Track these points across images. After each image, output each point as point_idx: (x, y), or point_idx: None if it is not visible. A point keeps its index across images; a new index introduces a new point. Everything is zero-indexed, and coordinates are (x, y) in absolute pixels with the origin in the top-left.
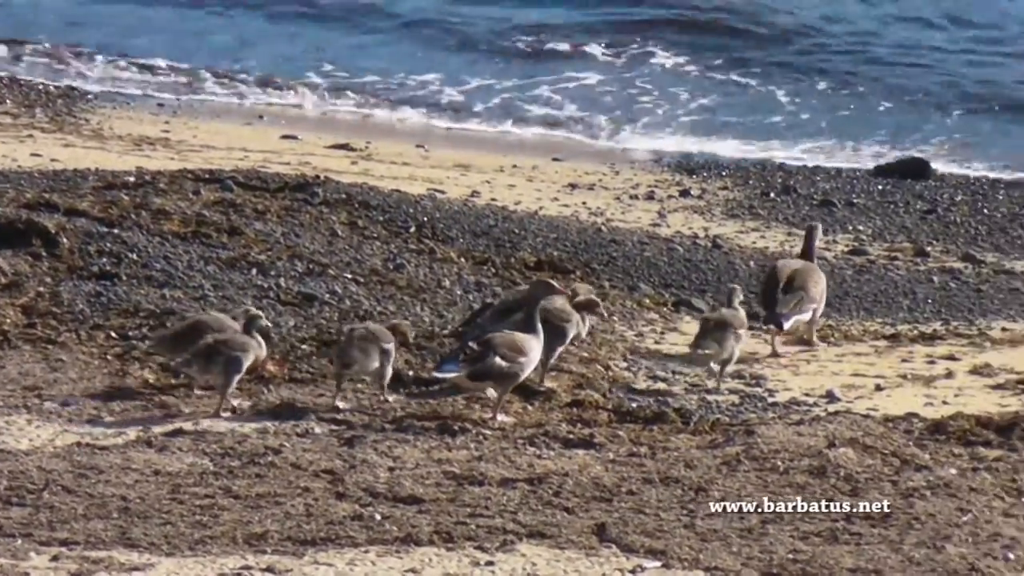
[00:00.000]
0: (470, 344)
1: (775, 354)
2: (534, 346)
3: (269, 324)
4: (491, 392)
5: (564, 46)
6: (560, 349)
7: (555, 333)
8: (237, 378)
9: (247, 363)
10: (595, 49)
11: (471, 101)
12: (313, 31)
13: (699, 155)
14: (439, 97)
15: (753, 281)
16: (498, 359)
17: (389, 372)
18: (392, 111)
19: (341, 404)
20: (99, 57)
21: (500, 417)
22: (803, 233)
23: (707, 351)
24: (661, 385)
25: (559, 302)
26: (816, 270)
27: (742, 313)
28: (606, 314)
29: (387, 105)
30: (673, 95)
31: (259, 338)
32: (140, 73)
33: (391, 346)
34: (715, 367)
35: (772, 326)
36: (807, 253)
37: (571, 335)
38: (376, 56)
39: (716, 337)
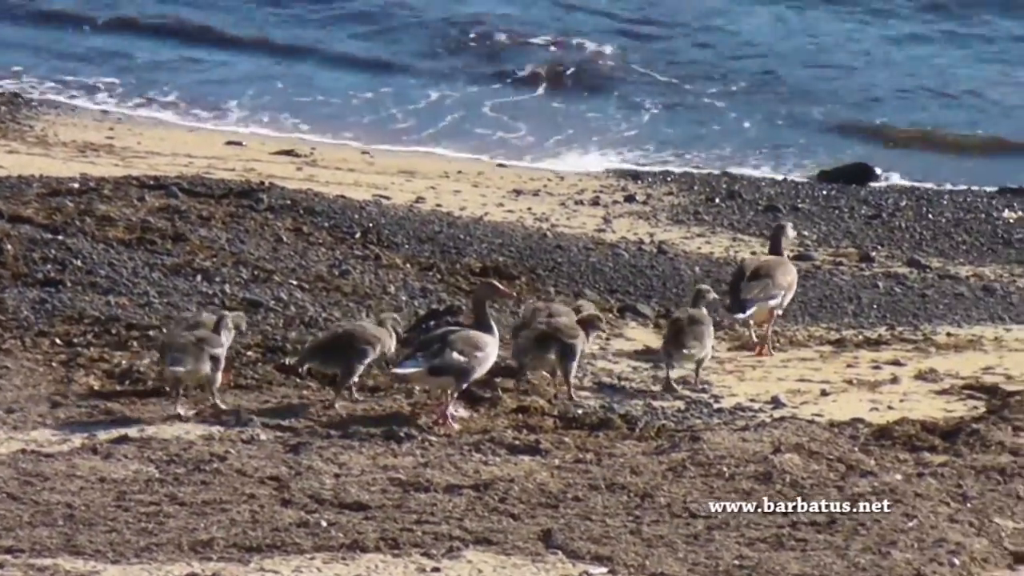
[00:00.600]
0: (428, 342)
1: (753, 346)
2: (489, 343)
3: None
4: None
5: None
6: (574, 365)
7: (566, 350)
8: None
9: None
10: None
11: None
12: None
13: (645, 162)
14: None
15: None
16: (455, 354)
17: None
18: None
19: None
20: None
21: (451, 411)
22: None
23: (692, 351)
24: (607, 391)
25: (565, 320)
26: (785, 263)
27: (706, 312)
28: (605, 330)
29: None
30: (620, 107)
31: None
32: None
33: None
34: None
35: (737, 314)
36: (775, 250)
37: (579, 351)
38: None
39: (697, 335)
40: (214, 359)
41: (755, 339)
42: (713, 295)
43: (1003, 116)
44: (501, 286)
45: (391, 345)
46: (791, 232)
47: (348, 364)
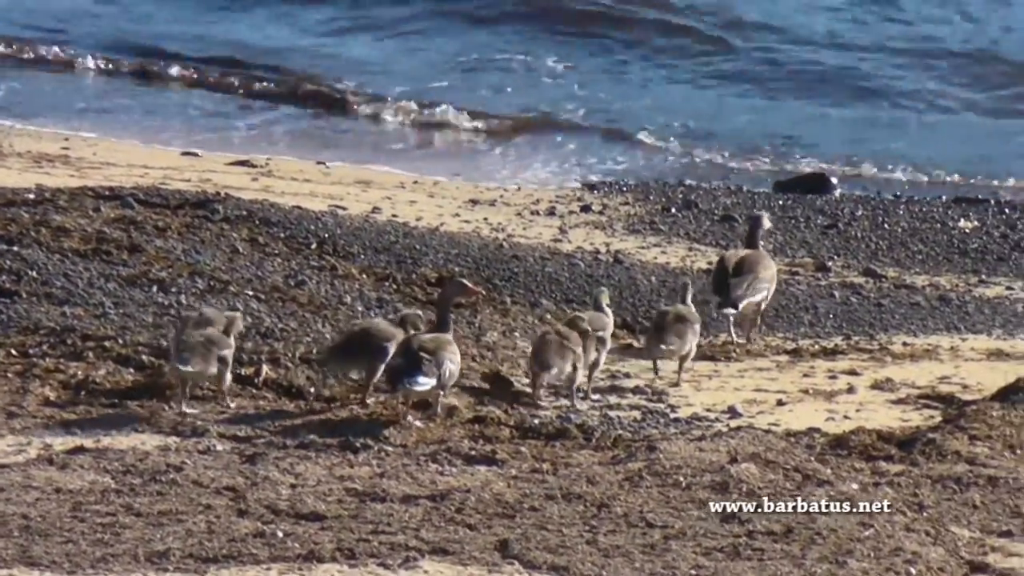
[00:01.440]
0: (423, 355)
1: (733, 340)
2: (455, 348)
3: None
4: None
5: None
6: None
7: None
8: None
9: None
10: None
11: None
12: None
13: (601, 171)
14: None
15: (654, 296)
16: (450, 363)
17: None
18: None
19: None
20: None
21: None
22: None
23: (670, 346)
24: (563, 401)
25: (574, 336)
26: (765, 256)
27: (694, 309)
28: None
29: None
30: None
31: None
32: None
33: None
34: (669, 363)
35: (727, 309)
36: (752, 242)
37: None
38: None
39: (678, 332)
40: (222, 360)
41: (735, 337)
42: (692, 289)
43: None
44: (470, 284)
45: None
46: (767, 223)
47: (370, 364)
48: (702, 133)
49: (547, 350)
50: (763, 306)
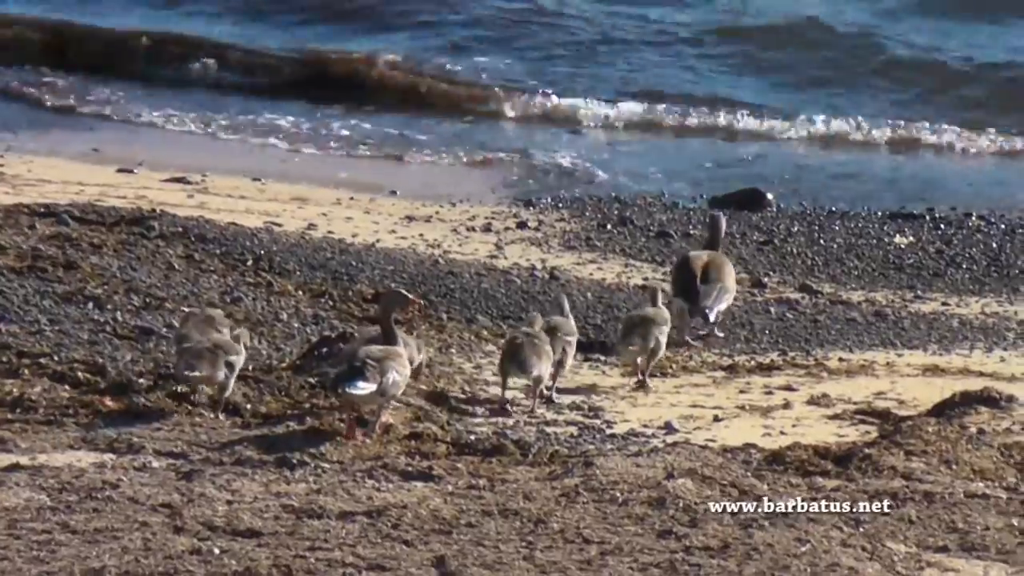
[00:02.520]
0: (368, 360)
1: (689, 344)
2: (407, 362)
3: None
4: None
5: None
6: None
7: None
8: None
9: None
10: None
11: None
12: None
13: (537, 188)
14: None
15: (591, 312)
16: (395, 373)
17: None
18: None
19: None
20: None
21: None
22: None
23: (632, 347)
24: (499, 417)
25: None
26: (727, 261)
27: (665, 311)
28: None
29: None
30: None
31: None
32: None
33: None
34: (640, 362)
35: (699, 318)
36: (713, 243)
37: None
38: None
39: (641, 333)
40: (229, 365)
41: (690, 339)
42: (666, 297)
43: None
44: (409, 293)
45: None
46: (723, 224)
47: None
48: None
49: (523, 352)
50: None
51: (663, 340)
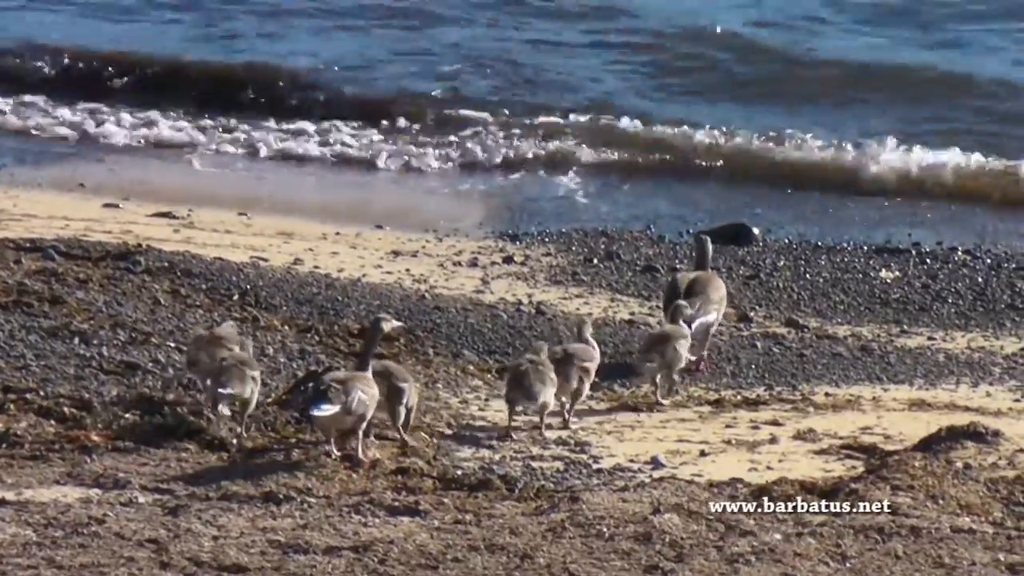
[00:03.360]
0: (332, 383)
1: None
2: (373, 384)
3: None
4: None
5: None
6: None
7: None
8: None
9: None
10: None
11: None
12: None
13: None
14: None
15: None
16: (362, 393)
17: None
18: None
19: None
20: None
21: (366, 452)
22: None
23: (651, 363)
24: (486, 452)
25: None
26: (715, 277)
27: (686, 328)
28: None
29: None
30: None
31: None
32: None
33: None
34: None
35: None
36: (702, 265)
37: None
38: None
39: (659, 350)
40: (254, 380)
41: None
42: (690, 310)
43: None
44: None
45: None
46: (709, 246)
47: (392, 408)
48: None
49: (528, 379)
50: (713, 328)
51: (683, 354)
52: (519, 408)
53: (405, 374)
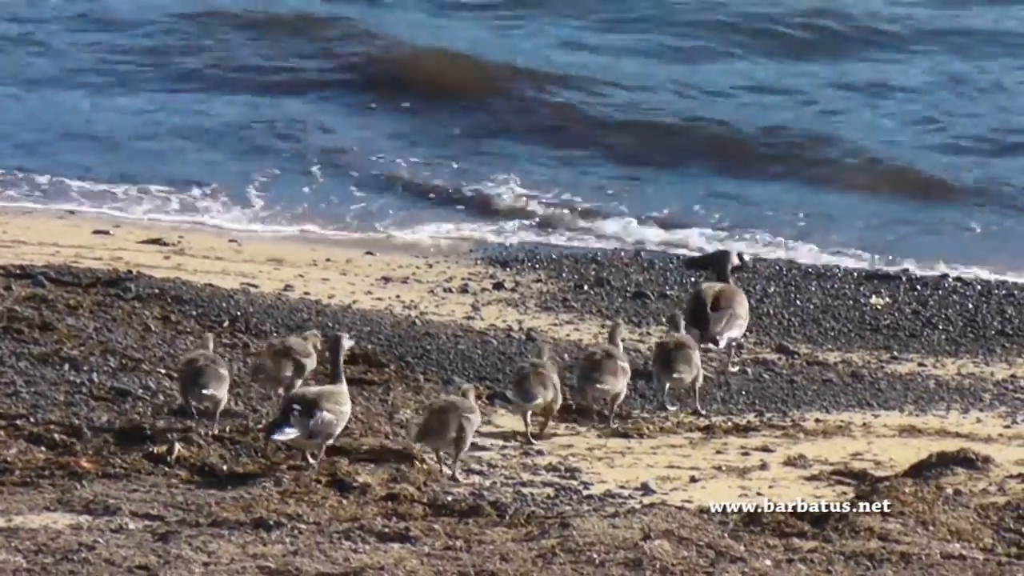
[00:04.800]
0: (294, 405)
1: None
2: (347, 397)
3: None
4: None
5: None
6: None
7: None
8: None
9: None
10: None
11: None
12: None
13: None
14: None
15: (567, 374)
16: (327, 413)
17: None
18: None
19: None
20: None
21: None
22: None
23: (683, 375)
24: (476, 478)
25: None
26: (739, 291)
27: (690, 337)
28: None
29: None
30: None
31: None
32: None
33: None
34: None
35: (709, 344)
36: (723, 277)
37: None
38: None
39: (685, 359)
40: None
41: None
42: (683, 319)
43: None
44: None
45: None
46: (735, 258)
47: (459, 437)
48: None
49: (527, 381)
50: (739, 339)
51: (699, 364)
52: (520, 409)
53: (471, 404)
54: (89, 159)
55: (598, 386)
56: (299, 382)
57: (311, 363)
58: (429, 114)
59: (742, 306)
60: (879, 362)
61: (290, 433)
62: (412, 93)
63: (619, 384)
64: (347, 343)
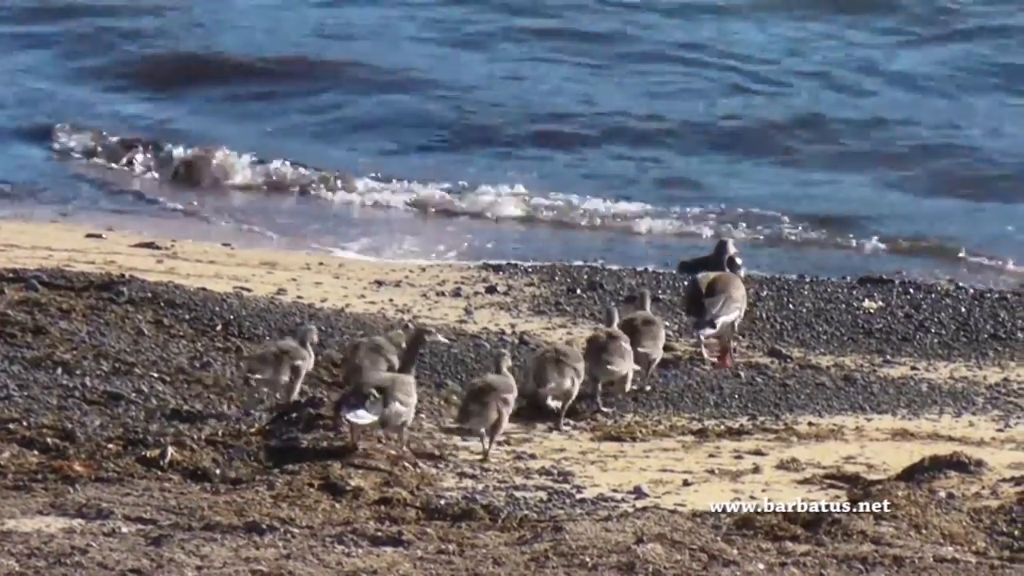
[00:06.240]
0: (372, 391)
1: (705, 360)
2: (413, 389)
3: None
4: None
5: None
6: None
7: None
8: None
9: None
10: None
11: None
12: None
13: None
14: None
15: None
16: (398, 404)
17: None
18: None
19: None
20: None
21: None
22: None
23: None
24: (469, 482)
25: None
26: (735, 277)
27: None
28: None
29: None
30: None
31: None
32: None
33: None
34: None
35: (704, 329)
36: (720, 266)
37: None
38: None
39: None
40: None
41: (706, 355)
42: (649, 296)
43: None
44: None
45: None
46: (732, 247)
47: (498, 420)
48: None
49: (544, 367)
50: (736, 325)
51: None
52: (543, 394)
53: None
54: None
55: (551, 385)
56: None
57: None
58: None
59: (738, 290)
60: (872, 366)
61: (364, 417)
62: None
63: (566, 383)
64: (436, 339)
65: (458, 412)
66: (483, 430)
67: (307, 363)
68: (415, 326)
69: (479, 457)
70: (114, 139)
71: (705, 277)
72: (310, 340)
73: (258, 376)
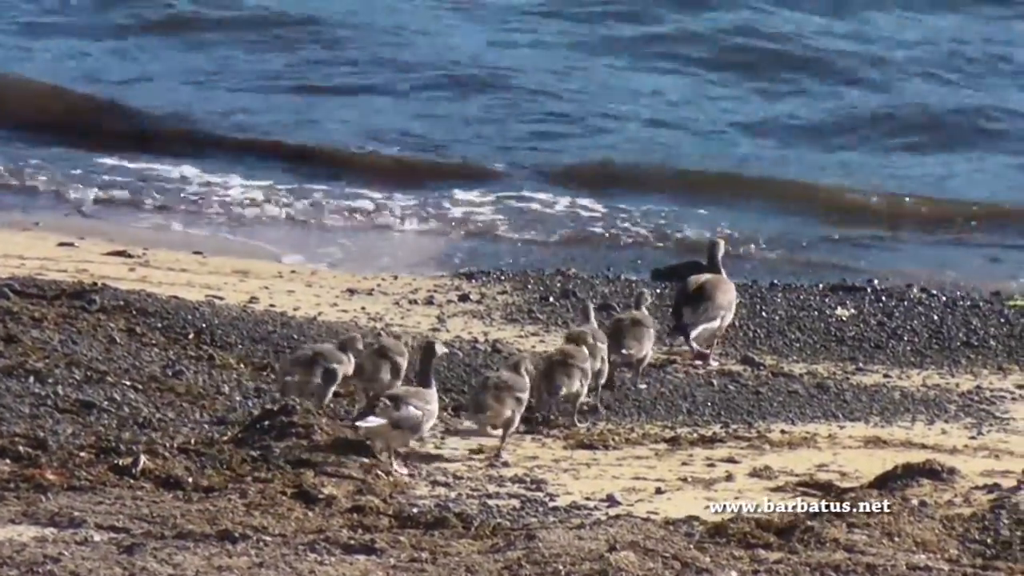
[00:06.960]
0: (383, 398)
1: (697, 356)
2: (433, 398)
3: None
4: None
5: None
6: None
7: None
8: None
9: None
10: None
11: None
12: None
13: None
14: None
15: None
16: (412, 408)
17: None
18: None
19: None
20: None
21: (400, 469)
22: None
23: (630, 351)
24: (442, 490)
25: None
26: (725, 281)
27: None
28: None
29: None
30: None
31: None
32: None
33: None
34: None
35: (679, 336)
36: (714, 268)
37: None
38: None
39: (636, 336)
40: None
41: (694, 351)
42: (650, 298)
43: None
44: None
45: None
46: (721, 247)
47: (510, 418)
48: None
49: (553, 372)
50: (722, 330)
51: (650, 344)
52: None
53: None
54: None
55: (562, 392)
56: (398, 382)
57: (405, 363)
58: None
59: (725, 295)
60: (845, 373)
61: (374, 422)
62: None
63: (575, 385)
64: (440, 349)
65: (470, 404)
66: (491, 427)
67: (343, 368)
68: (424, 339)
69: (457, 464)
70: None
71: (695, 280)
72: (352, 348)
73: (289, 378)
